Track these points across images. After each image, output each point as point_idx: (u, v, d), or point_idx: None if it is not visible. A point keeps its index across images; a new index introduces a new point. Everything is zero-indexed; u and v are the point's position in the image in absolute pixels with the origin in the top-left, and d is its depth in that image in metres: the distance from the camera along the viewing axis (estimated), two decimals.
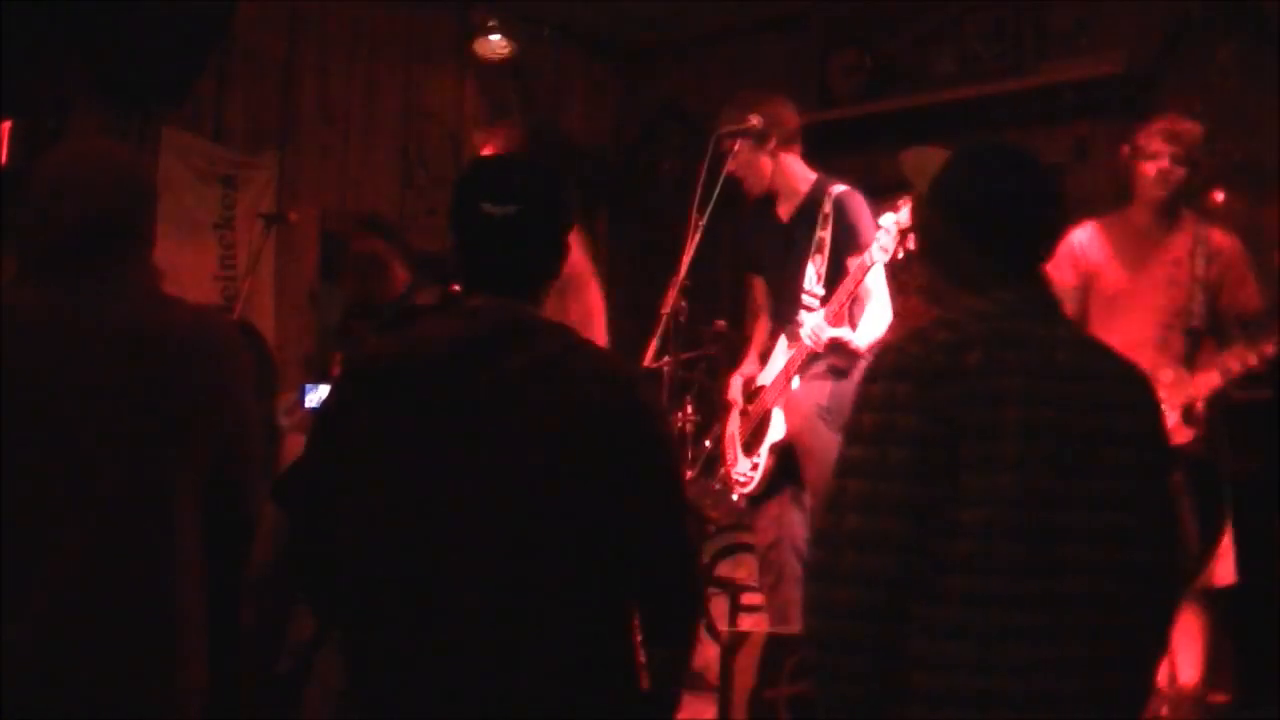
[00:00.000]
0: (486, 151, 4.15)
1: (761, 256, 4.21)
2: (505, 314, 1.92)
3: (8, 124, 4.55)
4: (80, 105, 4.84)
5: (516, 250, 1.97)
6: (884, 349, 1.85)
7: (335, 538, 1.94)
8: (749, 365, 4.25)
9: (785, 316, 4.00)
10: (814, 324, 3.76)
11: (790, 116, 4.05)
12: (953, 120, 5.82)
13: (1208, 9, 5.33)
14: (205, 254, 5.31)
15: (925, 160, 1.98)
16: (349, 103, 5.93)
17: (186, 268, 5.10)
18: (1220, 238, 3.99)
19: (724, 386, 4.40)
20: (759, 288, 4.32)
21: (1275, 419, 4.44)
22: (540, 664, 1.83)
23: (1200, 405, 3.76)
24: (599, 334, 3.98)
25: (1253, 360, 3.72)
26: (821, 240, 3.87)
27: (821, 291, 3.84)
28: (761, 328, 4.30)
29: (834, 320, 3.76)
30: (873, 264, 3.67)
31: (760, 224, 4.18)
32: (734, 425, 4.25)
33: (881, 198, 5.72)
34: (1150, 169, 3.90)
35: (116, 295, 2.08)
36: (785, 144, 3.99)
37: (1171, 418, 3.80)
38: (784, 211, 4.07)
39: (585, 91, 7.11)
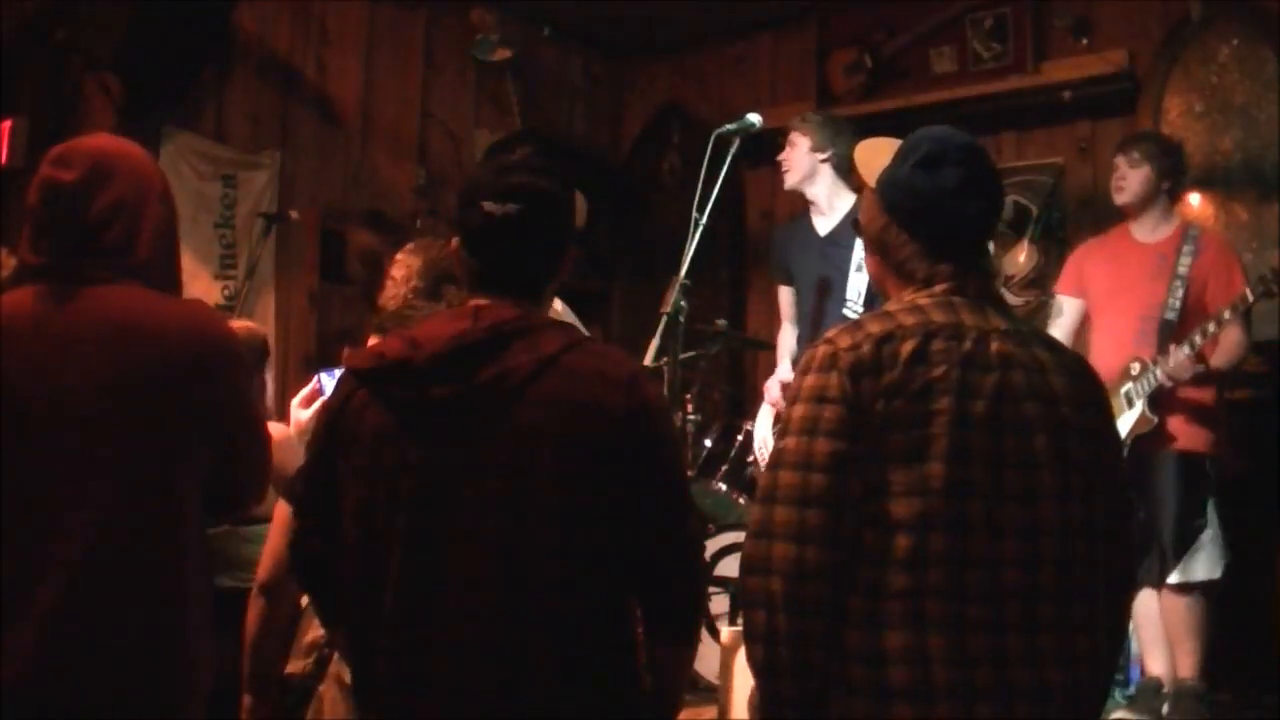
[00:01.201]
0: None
1: (795, 269, 4.35)
2: (507, 313, 1.92)
3: (8, 124, 4.55)
4: (80, 105, 4.83)
5: (518, 250, 1.97)
6: (819, 341, 1.85)
7: (338, 537, 1.94)
8: (784, 370, 4.37)
9: (821, 328, 4.13)
10: None
11: (848, 143, 4.19)
12: (953, 120, 5.76)
13: (1208, 9, 5.33)
14: (205, 254, 5.31)
15: (875, 152, 1.98)
16: (349, 103, 5.93)
17: (186, 268, 5.08)
18: (1210, 234, 4.08)
19: (761, 389, 4.55)
20: (785, 296, 4.46)
21: (1275, 419, 4.45)
22: (542, 663, 1.83)
23: (1168, 383, 3.80)
24: None
25: (1211, 326, 3.77)
26: (862, 262, 4.00)
27: (862, 309, 4.05)
28: (787, 335, 4.46)
29: None
30: None
31: (796, 237, 4.37)
32: (765, 429, 4.38)
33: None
34: (1111, 183, 4.14)
35: (112, 292, 2.07)
36: (836, 163, 4.18)
37: (1139, 408, 3.84)
38: (822, 227, 4.25)
39: (585, 91, 7.11)
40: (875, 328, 1.79)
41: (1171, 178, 4.08)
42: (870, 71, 6.21)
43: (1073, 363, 1.88)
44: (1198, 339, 3.80)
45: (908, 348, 1.75)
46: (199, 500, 2.09)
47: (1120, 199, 4.10)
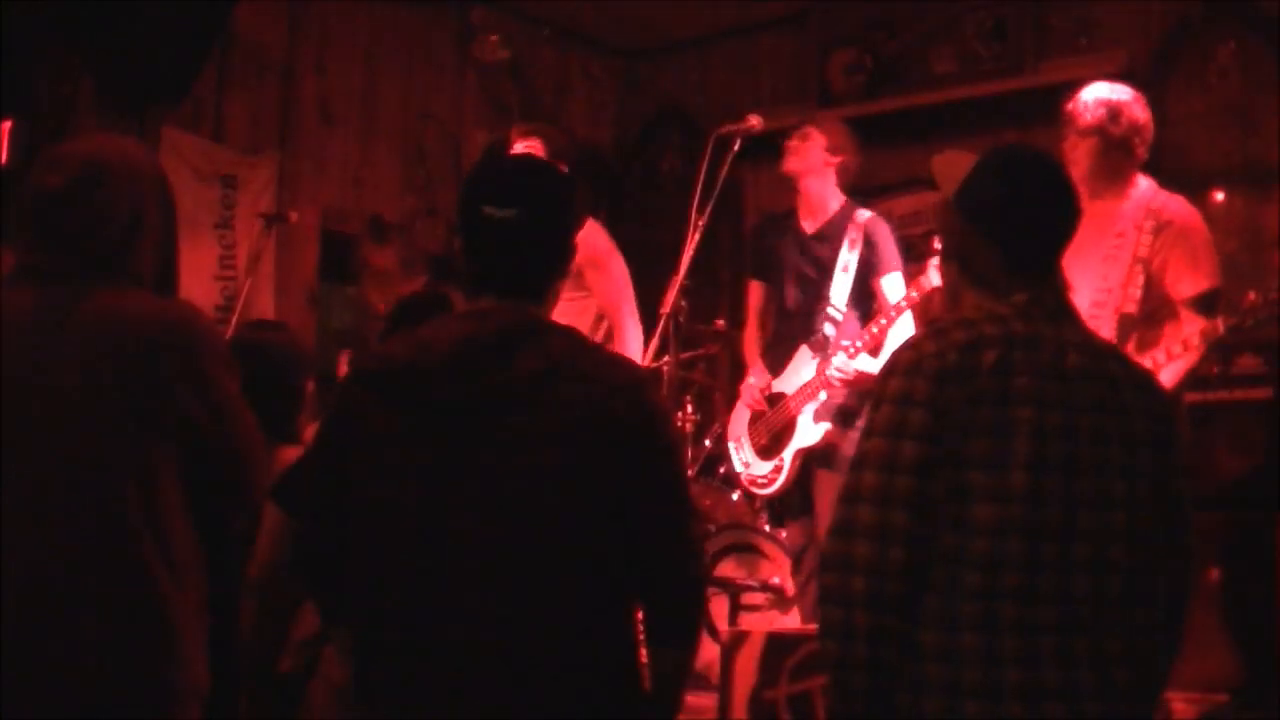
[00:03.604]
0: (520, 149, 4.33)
1: (775, 265, 4.37)
2: (511, 316, 1.93)
3: (8, 124, 4.55)
4: (80, 105, 4.83)
5: (520, 253, 1.98)
6: (902, 346, 1.90)
7: (342, 537, 1.94)
8: (759, 374, 4.38)
9: (804, 328, 4.21)
10: (839, 363, 3.97)
11: (856, 154, 4.29)
12: (953, 120, 5.83)
13: (1208, 9, 5.33)
14: (205, 254, 5.31)
15: (953, 164, 2.03)
16: (349, 103, 5.93)
17: (186, 268, 5.07)
18: (1175, 209, 3.47)
19: (736, 392, 4.55)
20: (756, 293, 4.48)
21: (1275, 419, 4.44)
22: (544, 664, 1.83)
23: None
24: (629, 308, 4.13)
25: (1178, 348, 3.28)
26: (848, 263, 4.10)
27: (845, 310, 4.09)
28: (752, 334, 4.48)
29: (871, 350, 3.96)
30: (929, 288, 3.83)
31: (779, 233, 4.39)
32: (741, 429, 4.37)
33: (882, 197, 5.76)
34: (1066, 158, 3.50)
35: (102, 294, 2.07)
36: (841, 168, 4.24)
37: None
38: (809, 226, 4.27)
39: (585, 91, 7.11)
40: (959, 335, 1.83)
41: (1126, 139, 3.49)
42: (870, 71, 6.21)
43: (1141, 377, 1.94)
44: (1161, 358, 3.29)
45: (991, 356, 1.80)
46: (184, 501, 2.08)
47: (1074, 173, 3.38)
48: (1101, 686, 1.76)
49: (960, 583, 1.74)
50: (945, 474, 1.76)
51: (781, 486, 4.17)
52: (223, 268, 5.39)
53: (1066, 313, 1.93)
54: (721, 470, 5.04)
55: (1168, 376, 3.34)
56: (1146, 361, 3.29)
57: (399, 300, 4.75)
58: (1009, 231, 1.93)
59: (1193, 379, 3.67)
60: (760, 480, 4.27)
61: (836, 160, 4.21)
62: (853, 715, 1.78)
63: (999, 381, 1.79)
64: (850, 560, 1.77)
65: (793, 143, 4.23)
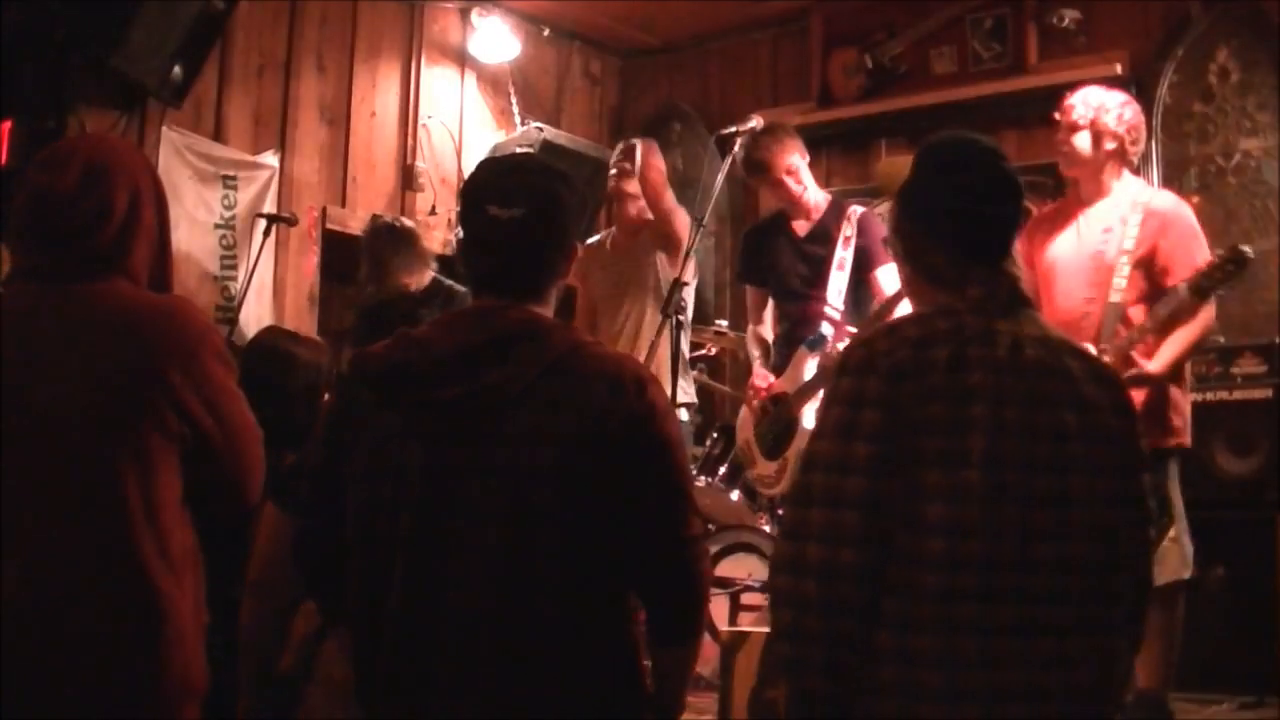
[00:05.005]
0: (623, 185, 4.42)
1: (770, 269, 4.39)
2: (512, 315, 1.93)
3: (8, 124, 4.55)
4: (80, 105, 4.83)
5: (522, 252, 1.98)
6: (853, 344, 1.86)
7: (341, 537, 1.94)
8: (760, 374, 4.41)
9: (802, 328, 4.22)
10: None
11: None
12: (953, 120, 5.81)
13: (1208, 9, 5.33)
14: (205, 254, 5.31)
15: (896, 168, 2.03)
16: (349, 103, 5.93)
17: (187, 268, 5.10)
18: (1161, 202, 3.62)
19: (740, 394, 4.63)
20: (752, 295, 4.51)
21: (1275, 419, 4.44)
22: (544, 664, 1.83)
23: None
24: None
25: (1162, 312, 3.38)
26: (844, 260, 4.13)
27: (842, 308, 4.12)
28: (754, 334, 4.50)
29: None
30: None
31: (772, 238, 4.41)
32: (749, 430, 4.40)
33: (881, 197, 5.75)
34: (1058, 155, 3.73)
35: (99, 291, 2.07)
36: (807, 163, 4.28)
37: None
38: (801, 228, 4.29)
39: (585, 91, 7.11)
40: (912, 332, 1.80)
41: (1116, 137, 3.63)
42: (870, 72, 6.21)
43: (1099, 371, 1.90)
44: (1135, 337, 3.41)
45: (944, 353, 1.76)
46: (182, 498, 2.08)
47: (1066, 170, 3.74)
48: (1065, 687, 1.73)
49: (917, 583, 1.71)
50: (900, 474, 1.72)
51: (785, 486, 4.19)
52: (223, 268, 5.38)
53: (1022, 306, 1.89)
54: (722, 470, 5.04)
55: (1163, 359, 3.44)
56: (1124, 345, 3.39)
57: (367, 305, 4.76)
58: (951, 226, 1.89)
59: (1193, 379, 3.72)
60: (766, 479, 4.30)
61: (808, 161, 4.26)
62: (811, 718, 1.73)
63: (953, 378, 1.75)
64: (803, 563, 1.73)
65: (794, 188, 4.25)
